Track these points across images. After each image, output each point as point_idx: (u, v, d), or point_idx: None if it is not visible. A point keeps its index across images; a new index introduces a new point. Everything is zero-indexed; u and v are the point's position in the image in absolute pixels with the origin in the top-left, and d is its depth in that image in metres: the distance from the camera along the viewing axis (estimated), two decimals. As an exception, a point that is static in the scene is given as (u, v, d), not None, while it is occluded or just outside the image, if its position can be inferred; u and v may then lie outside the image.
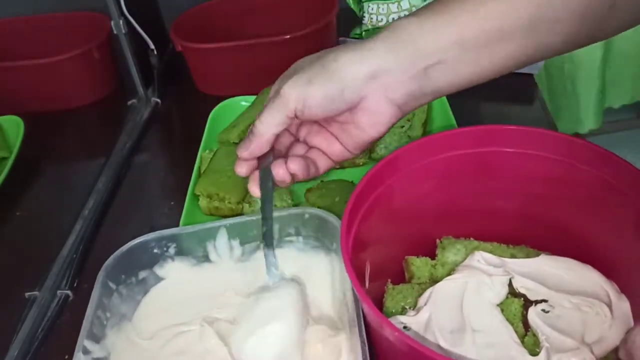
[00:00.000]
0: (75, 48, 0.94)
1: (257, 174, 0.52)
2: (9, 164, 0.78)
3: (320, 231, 0.60)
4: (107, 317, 0.56)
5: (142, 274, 0.60)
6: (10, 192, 0.78)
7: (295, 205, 0.72)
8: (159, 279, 0.61)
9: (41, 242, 0.76)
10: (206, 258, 0.62)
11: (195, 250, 0.61)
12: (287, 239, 0.62)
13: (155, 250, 0.60)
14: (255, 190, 0.52)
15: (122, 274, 0.59)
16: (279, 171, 0.51)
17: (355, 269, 0.45)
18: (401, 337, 0.40)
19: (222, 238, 0.61)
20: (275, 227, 0.61)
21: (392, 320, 0.51)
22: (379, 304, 0.55)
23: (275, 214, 0.60)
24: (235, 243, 0.62)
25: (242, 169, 0.52)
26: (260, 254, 0.62)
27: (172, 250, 0.61)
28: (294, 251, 0.62)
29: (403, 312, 0.53)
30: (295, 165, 0.50)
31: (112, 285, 0.58)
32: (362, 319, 0.49)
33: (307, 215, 0.60)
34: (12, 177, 0.77)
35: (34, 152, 0.86)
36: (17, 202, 0.80)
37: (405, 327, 0.51)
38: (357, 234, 0.49)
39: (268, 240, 0.54)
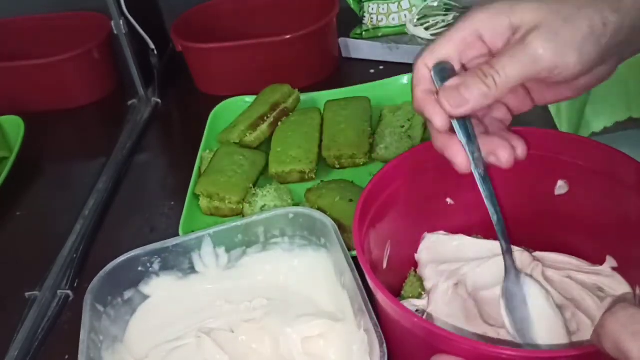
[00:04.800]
0: (75, 48, 0.94)
1: (458, 149, 0.42)
2: (9, 163, 0.78)
3: (306, 229, 0.59)
4: (100, 340, 0.54)
5: (128, 294, 0.58)
6: (10, 192, 0.78)
7: (296, 205, 0.72)
8: (145, 297, 0.59)
9: (41, 242, 0.76)
10: (192, 270, 0.60)
11: (180, 263, 0.59)
12: (273, 241, 0.61)
13: (139, 268, 0.58)
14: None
15: (107, 295, 0.56)
16: (504, 154, 0.42)
17: (369, 261, 0.46)
18: (420, 322, 0.41)
19: (207, 247, 0.59)
20: (260, 230, 0.60)
21: (405, 303, 0.53)
22: (395, 292, 0.56)
23: (259, 217, 0.60)
24: (221, 251, 0.60)
25: (441, 127, 0.42)
26: (247, 260, 0.61)
27: (156, 266, 0.59)
28: (280, 252, 0.61)
29: (419, 297, 0.55)
30: (522, 151, 0.42)
31: (100, 308, 0.55)
32: (369, 305, 0.48)
33: (291, 215, 0.59)
34: (12, 177, 0.77)
35: (34, 152, 0.86)
36: (17, 202, 0.80)
37: (417, 310, 0.52)
38: (371, 227, 0.50)
39: (503, 233, 0.45)
